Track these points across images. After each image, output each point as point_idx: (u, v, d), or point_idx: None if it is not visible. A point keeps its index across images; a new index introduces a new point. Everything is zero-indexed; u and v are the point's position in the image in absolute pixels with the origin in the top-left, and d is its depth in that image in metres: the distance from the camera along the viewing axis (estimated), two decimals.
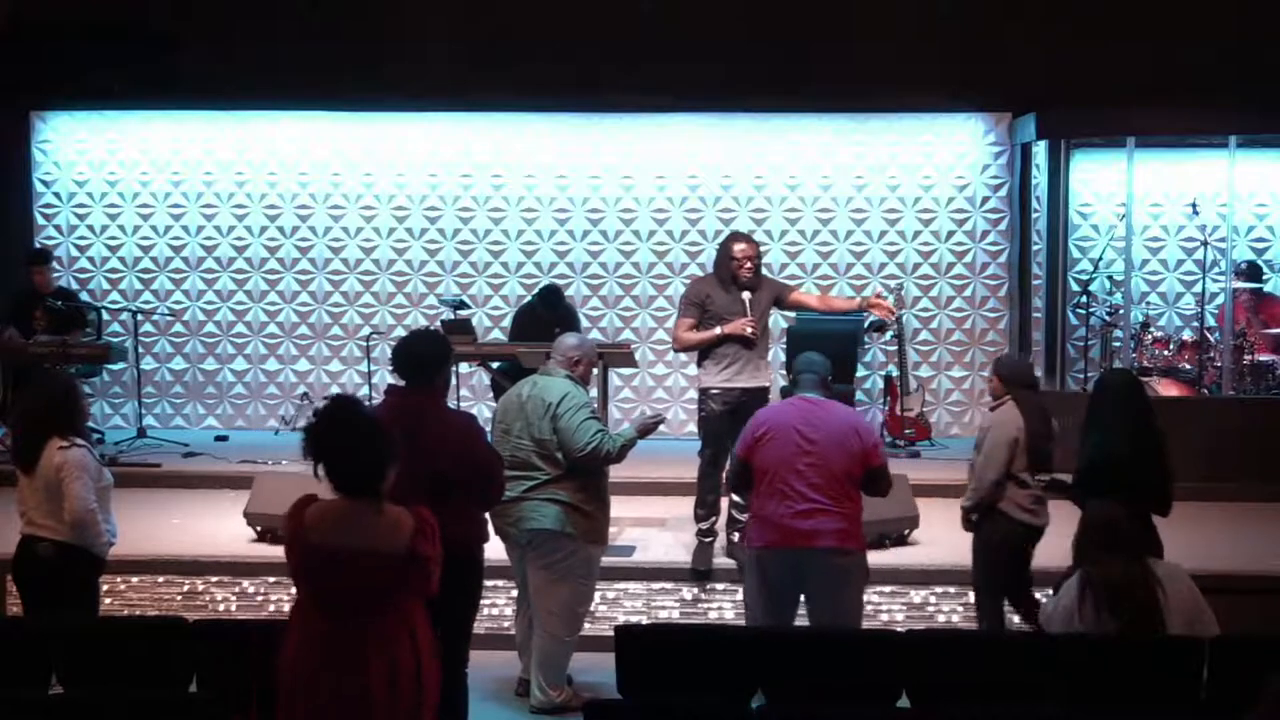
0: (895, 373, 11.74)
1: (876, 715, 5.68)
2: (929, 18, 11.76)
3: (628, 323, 12.47)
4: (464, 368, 11.25)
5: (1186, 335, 11.51)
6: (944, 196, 12.31)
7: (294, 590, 8.01)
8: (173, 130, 12.57)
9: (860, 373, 12.05)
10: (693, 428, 9.99)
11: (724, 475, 8.27)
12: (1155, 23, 11.40)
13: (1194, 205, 11.72)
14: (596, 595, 7.75)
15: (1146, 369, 11.16)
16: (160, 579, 8.67)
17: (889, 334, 11.83)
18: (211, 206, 12.60)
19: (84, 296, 12.20)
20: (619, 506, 7.85)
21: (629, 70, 11.65)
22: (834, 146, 12.33)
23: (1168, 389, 10.91)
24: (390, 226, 12.55)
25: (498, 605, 8.23)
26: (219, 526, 9.41)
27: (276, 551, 8.85)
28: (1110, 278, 12.05)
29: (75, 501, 6.49)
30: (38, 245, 12.40)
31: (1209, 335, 11.39)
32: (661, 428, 7.52)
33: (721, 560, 8.60)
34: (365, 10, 12.08)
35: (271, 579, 8.61)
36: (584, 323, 11.72)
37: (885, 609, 8.38)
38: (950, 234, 12.33)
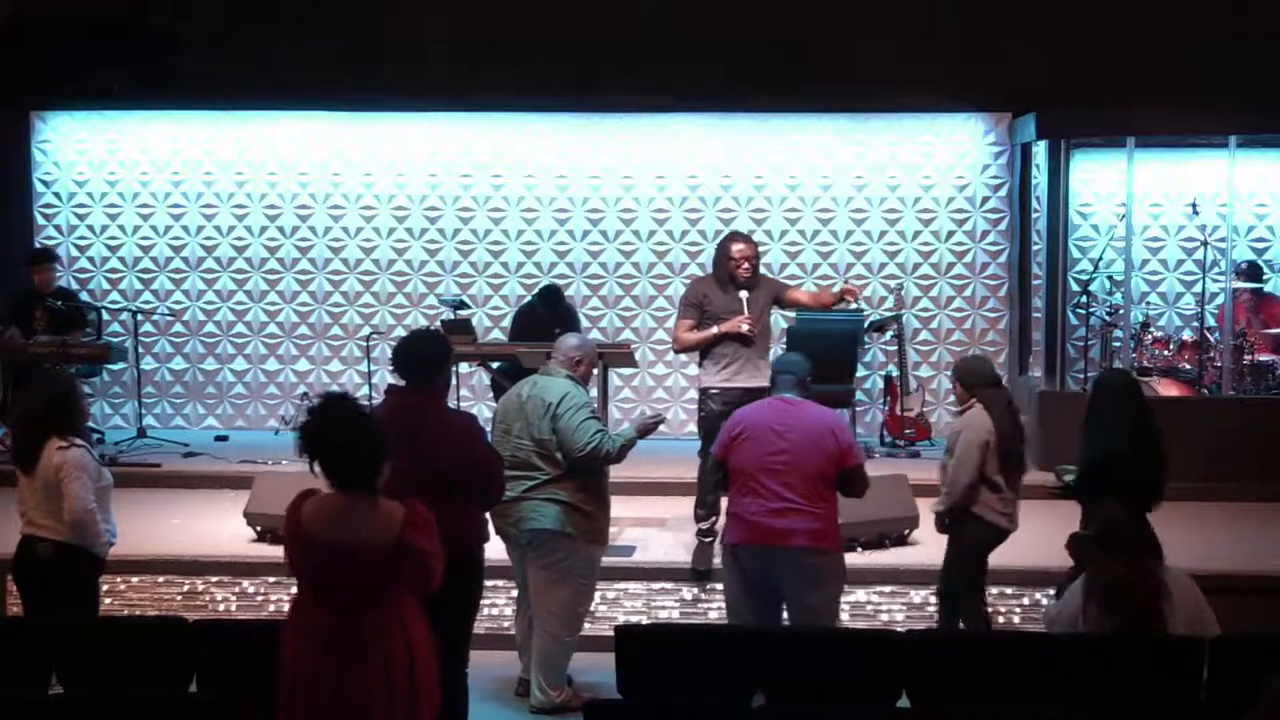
0: (895, 373, 11.74)
1: (876, 715, 5.68)
2: (929, 18, 11.75)
3: (628, 323, 12.47)
4: (464, 368, 11.25)
5: (1186, 335, 11.51)
6: (944, 196, 12.31)
7: (294, 589, 8.04)
8: (173, 130, 12.56)
9: (860, 373, 12.05)
10: (693, 428, 9.99)
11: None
12: (1155, 23, 11.40)
13: (1194, 205, 11.71)
14: (596, 595, 7.76)
15: (1146, 369, 11.16)
16: (160, 579, 8.67)
17: (889, 334, 11.83)
18: (211, 206, 12.60)
19: (84, 296, 12.20)
20: (619, 506, 7.85)
21: (629, 70, 11.65)
22: (834, 146, 12.33)
23: (1168, 389, 10.91)
24: (390, 226, 12.55)
25: (498, 605, 8.23)
26: (219, 526, 9.42)
27: (276, 551, 8.86)
28: (1110, 278, 12.05)
29: (74, 501, 6.49)
30: (38, 245, 12.40)
31: (1209, 335, 11.38)
32: (661, 428, 7.53)
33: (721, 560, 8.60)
34: (365, 10, 12.08)
35: (271, 579, 8.61)
36: (584, 323, 11.72)
37: (885, 609, 8.39)
38: (950, 234, 12.33)
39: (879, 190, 12.34)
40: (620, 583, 8.48)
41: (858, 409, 11.79)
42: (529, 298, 11.56)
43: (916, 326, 12.28)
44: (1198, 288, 11.76)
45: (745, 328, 8.38)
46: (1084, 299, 11.64)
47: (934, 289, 12.36)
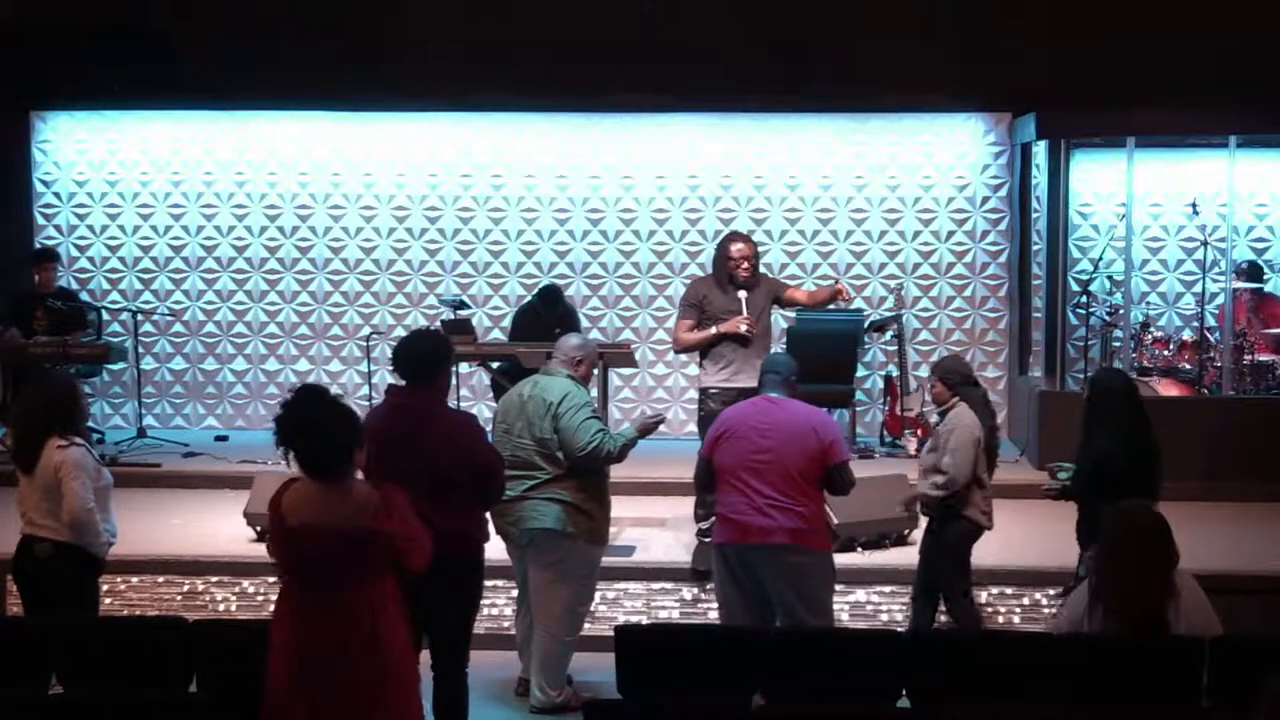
0: (895, 373, 11.74)
1: (876, 715, 5.68)
2: (929, 18, 11.75)
3: (628, 323, 12.46)
4: (464, 368, 11.24)
5: (1186, 335, 11.51)
6: (944, 196, 12.31)
7: None
8: (173, 130, 12.56)
9: (860, 373, 12.06)
10: (693, 428, 10.00)
11: None
12: (1155, 23, 11.40)
13: (1194, 205, 11.71)
14: (596, 595, 7.76)
15: (1146, 369, 11.17)
16: (160, 579, 8.68)
17: (889, 334, 11.83)
18: (211, 206, 12.60)
19: (84, 296, 12.20)
20: (619, 506, 7.85)
21: (629, 70, 11.65)
22: (834, 146, 12.33)
23: (1168, 389, 10.91)
24: (390, 226, 12.55)
25: (498, 605, 8.23)
26: (219, 526, 9.42)
27: None
28: (1110, 278, 12.05)
29: (73, 500, 6.50)
30: (38, 245, 12.41)
31: (1209, 335, 11.38)
32: (662, 428, 7.54)
33: None
34: (365, 10, 12.08)
35: (271, 579, 8.58)
36: (584, 323, 11.71)
37: (885, 609, 8.39)
38: (950, 234, 12.33)
39: (879, 190, 12.34)
40: (620, 583, 8.49)
41: (858, 409, 11.79)
42: (529, 298, 11.56)
43: (916, 326, 12.28)
44: (1198, 288, 11.76)
45: (744, 328, 8.39)
46: (1084, 299, 11.63)
47: (934, 289, 12.36)
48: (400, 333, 10.51)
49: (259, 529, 9.05)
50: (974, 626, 7.50)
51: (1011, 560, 8.70)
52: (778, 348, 11.21)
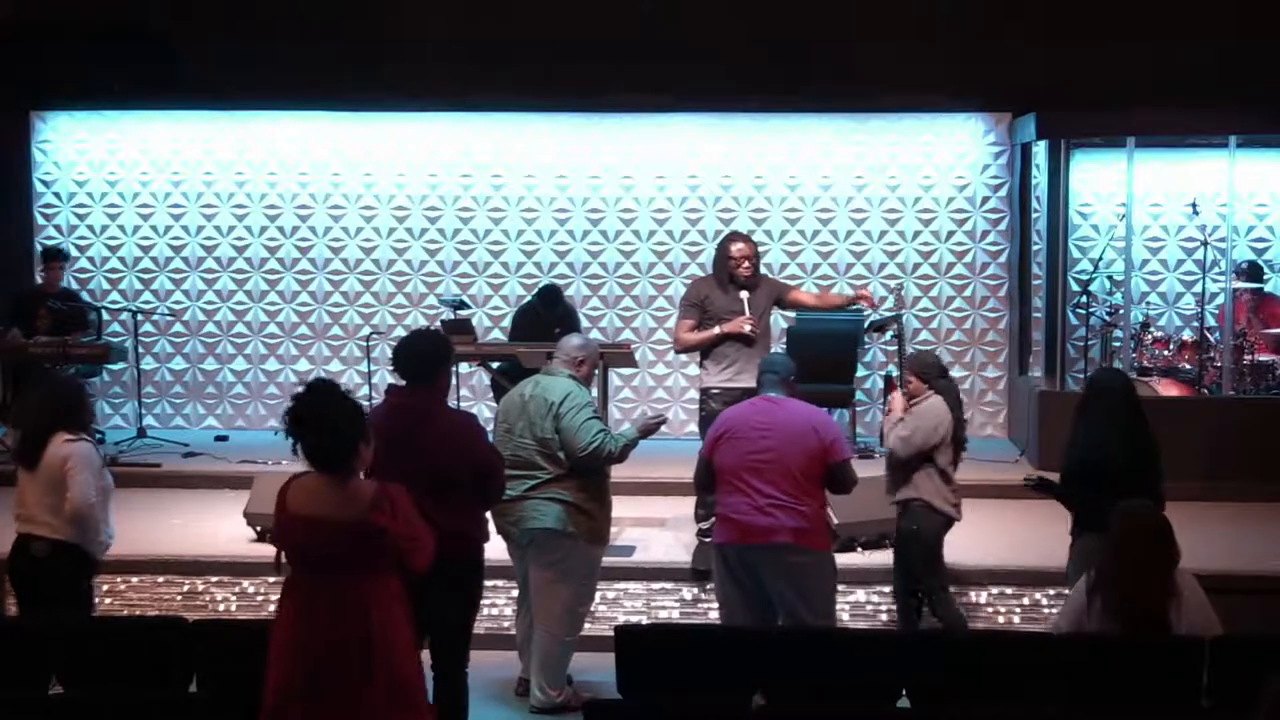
0: (895, 373, 11.70)
1: (876, 715, 5.68)
2: (929, 18, 11.75)
3: (628, 323, 12.47)
4: (464, 368, 11.24)
5: (1186, 335, 11.51)
6: (944, 196, 12.31)
7: None
8: (173, 130, 12.56)
9: (860, 373, 12.06)
10: (693, 428, 10.00)
11: None
12: (1155, 23, 11.40)
13: (1194, 205, 11.71)
14: (596, 595, 7.76)
15: (1146, 369, 11.16)
16: (160, 579, 8.68)
17: (889, 334, 11.81)
18: (211, 206, 12.60)
19: (84, 296, 12.19)
20: (619, 506, 7.85)
21: (629, 70, 11.65)
22: (834, 146, 12.33)
23: (1168, 389, 10.91)
24: (390, 226, 12.55)
25: (498, 605, 8.22)
26: (219, 526, 9.42)
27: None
28: (1110, 278, 12.05)
29: (78, 491, 6.50)
30: (38, 245, 12.43)
31: (1209, 335, 11.38)
32: (662, 428, 7.53)
33: None
34: (365, 10, 12.08)
35: (271, 579, 8.60)
36: (584, 323, 11.72)
37: (885, 609, 8.38)
38: (950, 234, 12.33)
39: (879, 190, 12.34)
40: (620, 583, 8.49)
41: (858, 409, 11.79)
42: (529, 298, 11.56)
43: (916, 326, 12.27)
44: (1198, 288, 11.76)
45: (748, 328, 8.39)
46: (1084, 299, 11.64)
47: (934, 289, 12.36)
48: (400, 333, 10.51)
49: (259, 529, 9.06)
50: (958, 622, 7.56)
51: (1011, 560, 8.71)
52: (778, 348, 11.22)
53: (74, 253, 12.55)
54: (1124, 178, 11.38)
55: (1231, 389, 11.00)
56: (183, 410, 12.72)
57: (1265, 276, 11.75)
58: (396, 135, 12.50)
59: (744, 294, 8.46)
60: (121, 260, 12.64)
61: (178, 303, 12.64)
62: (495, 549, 6.84)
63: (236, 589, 8.61)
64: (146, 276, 12.64)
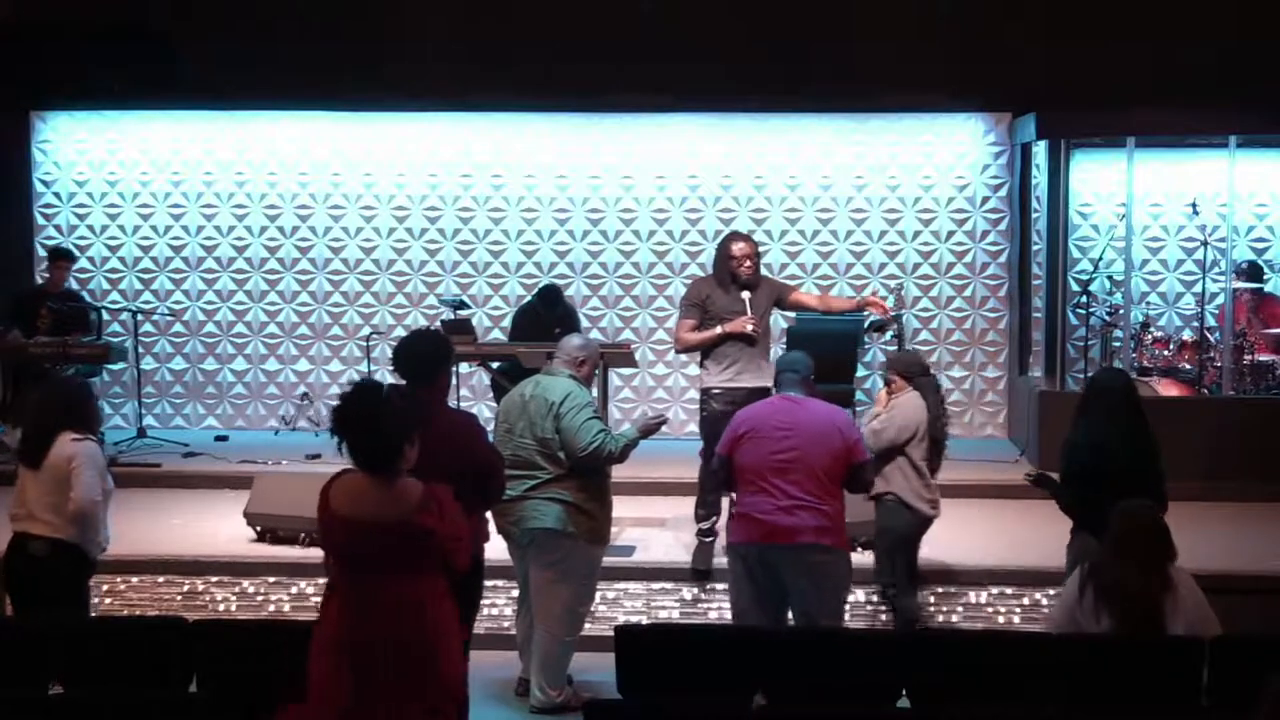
0: None
1: (876, 715, 5.68)
2: (929, 18, 11.75)
3: (628, 323, 12.47)
4: (464, 368, 11.25)
5: (1186, 335, 11.51)
6: (944, 196, 12.31)
7: (294, 590, 8.09)
8: (173, 130, 12.57)
9: (860, 373, 12.06)
10: (693, 428, 9.99)
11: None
12: (1155, 23, 11.40)
13: (1194, 205, 11.72)
14: (597, 595, 7.76)
15: (1146, 369, 11.16)
16: (160, 579, 8.68)
17: (889, 334, 11.82)
18: (211, 206, 12.60)
19: (84, 296, 12.19)
20: (619, 506, 7.84)
21: (629, 70, 11.65)
22: (834, 146, 12.33)
23: (1168, 389, 10.91)
24: (390, 226, 12.56)
25: (498, 605, 8.22)
26: (219, 526, 9.42)
27: (276, 551, 8.91)
28: (1110, 278, 12.05)
29: (83, 489, 6.50)
30: (38, 245, 12.44)
31: (1209, 335, 11.38)
32: (662, 428, 7.53)
33: (722, 560, 8.55)
34: (365, 10, 12.08)
35: (271, 579, 8.62)
36: (584, 323, 11.72)
37: (885, 609, 8.37)
38: (950, 234, 12.33)
39: (879, 190, 12.34)
40: (620, 583, 8.49)
41: (858, 409, 11.78)
42: (529, 298, 11.56)
43: (916, 326, 12.28)
44: (1198, 288, 11.77)
45: (749, 327, 8.38)
46: (1084, 299, 11.64)
47: (934, 289, 12.36)
48: (400, 333, 10.52)
49: (259, 529, 9.07)
50: (912, 614, 7.65)
51: (1011, 560, 8.71)
52: (778, 348, 11.22)
53: (74, 253, 12.55)
54: (1124, 178, 11.38)
55: (1231, 389, 11.00)
56: (183, 410, 12.72)
57: (1265, 276, 11.75)
58: (396, 135, 12.50)
59: (745, 294, 8.45)
60: (121, 260, 12.64)
61: (178, 303, 12.65)
62: (495, 549, 6.85)
63: (236, 589, 8.61)
64: (146, 276, 12.64)
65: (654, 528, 9.44)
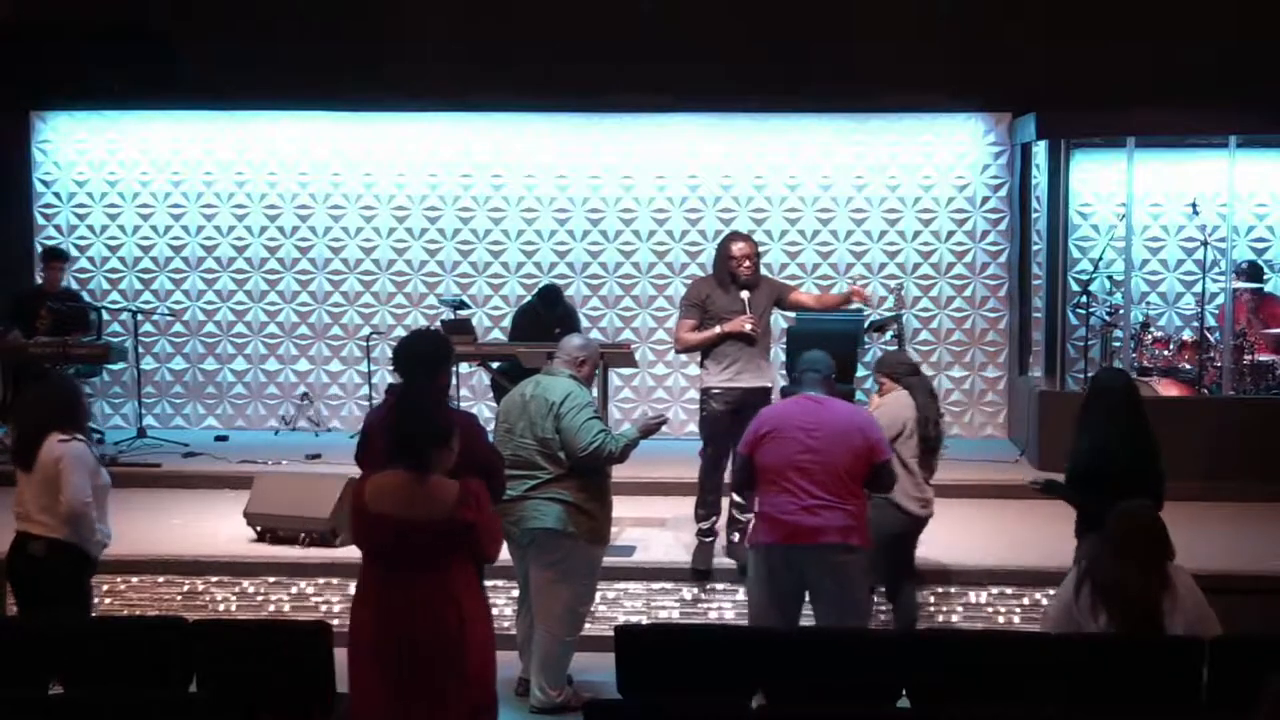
0: None
1: (876, 715, 5.68)
2: (929, 18, 11.76)
3: (628, 323, 12.47)
4: (464, 368, 11.25)
5: (1186, 335, 11.51)
6: (944, 196, 12.31)
7: (294, 590, 8.08)
8: (173, 130, 12.57)
9: (860, 373, 12.05)
10: (693, 428, 9.99)
11: (724, 475, 8.28)
12: (1155, 23, 11.40)
13: (1194, 205, 11.72)
14: (597, 595, 7.76)
15: (1146, 369, 11.16)
16: (160, 579, 8.68)
17: (889, 334, 11.82)
18: (211, 206, 12.60)
19: (84, 296, 12.19)
20: (619, 506, 7.84)
21: (629, 70, 11.65)
22: (834, 146, 12.33)
23: (1168, 389, 10.91)
24: (390, 226, 12.56)
25: (498, 605, 8.20)
26: (219, 526, 9.42)
27: (276, 551, 8.91)
28: (1110, 278, 12.05)
29: (71, 491, 6.50)
30: (38, 245, 12.44)
31: (1209, 335, 11.38)
32: (663, 428, 7.53)
33: (722, 560, 8.61)
34: (365, 10, 12.08)
35: (271, 579, 8.62)
36: (584, 323, 11.71)
37: (885, 609, 8.37)
38: (950, 234, 12.33)
39: (879, 190, 12.34)
40: (620, 583, 8.49)
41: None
42: (529, 298, 11.56)
43: (916, 326, 12.28)
44: (1198, 288, 11.76)
45: (749, 327, 8.38)
46: (1084, 299, 11.64)
47: (934, 289, 12.36)
48: (400, 333, 10.52)
49: (259, 529, 9.07)
50: (911, 620, 7.61)
51: (1011, 560, 8.71)
52: (778, 348, 11.23)
53: (74, 253, 12.55)
54: (1124, 178, 11.38)
55: (1231, 389, 11.00)
56: (183, 410, 12.72)
57: (1265, 276, 11.75)
58: (396, 135, 12.50)
59: (745, 293, 8.45)
60: (121, 260, 12.64)
61: (178, 303, 12.65)
62: None
63: (236, 589, 8.61)
64: (146, 276, 12.64)
65: (654, 528, 9.45)
